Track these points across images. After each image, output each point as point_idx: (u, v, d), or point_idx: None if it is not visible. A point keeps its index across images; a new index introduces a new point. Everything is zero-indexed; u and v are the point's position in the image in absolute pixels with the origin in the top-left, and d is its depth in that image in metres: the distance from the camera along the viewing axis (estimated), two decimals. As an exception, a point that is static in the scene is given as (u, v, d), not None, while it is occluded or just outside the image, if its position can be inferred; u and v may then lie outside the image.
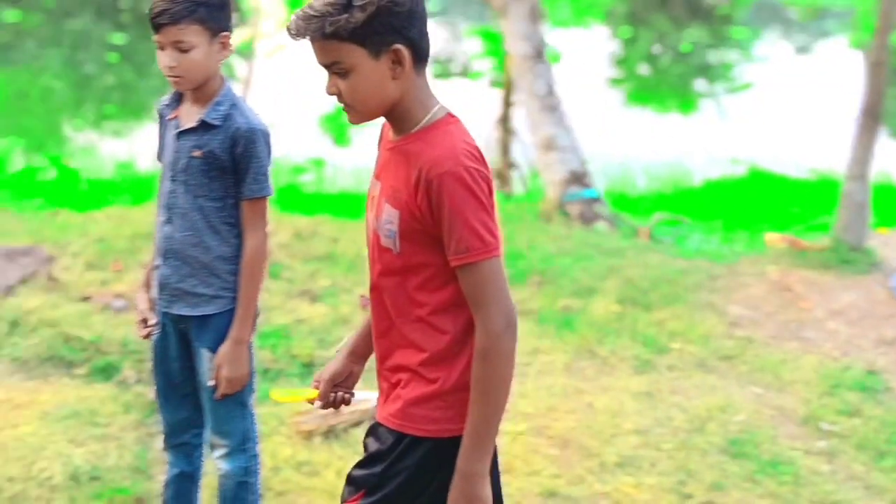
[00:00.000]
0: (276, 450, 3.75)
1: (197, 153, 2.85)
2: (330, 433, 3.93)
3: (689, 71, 16.82)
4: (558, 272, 5.56)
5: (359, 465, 2.19)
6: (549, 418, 4.15)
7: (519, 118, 7.91)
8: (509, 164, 8.04)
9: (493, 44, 8.31)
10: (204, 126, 2.85)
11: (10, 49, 15.60)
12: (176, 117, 2.92)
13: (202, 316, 2.93)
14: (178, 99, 2.95)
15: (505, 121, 7.93)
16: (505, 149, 8.01)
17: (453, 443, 2.03)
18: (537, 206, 6.88)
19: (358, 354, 2.37)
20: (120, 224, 5.99)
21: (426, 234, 1.99)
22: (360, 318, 4.93)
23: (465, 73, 14.18)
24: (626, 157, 9.52)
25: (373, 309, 2.18)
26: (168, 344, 3.03)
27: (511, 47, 7.32)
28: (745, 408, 4.27)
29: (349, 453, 3.82)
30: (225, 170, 2.86)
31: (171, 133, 2.92)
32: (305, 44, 2.01)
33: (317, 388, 2.35)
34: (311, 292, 5.22)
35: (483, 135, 8.35)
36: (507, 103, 7.87)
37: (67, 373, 4.37)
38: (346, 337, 2.46)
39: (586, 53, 15.40)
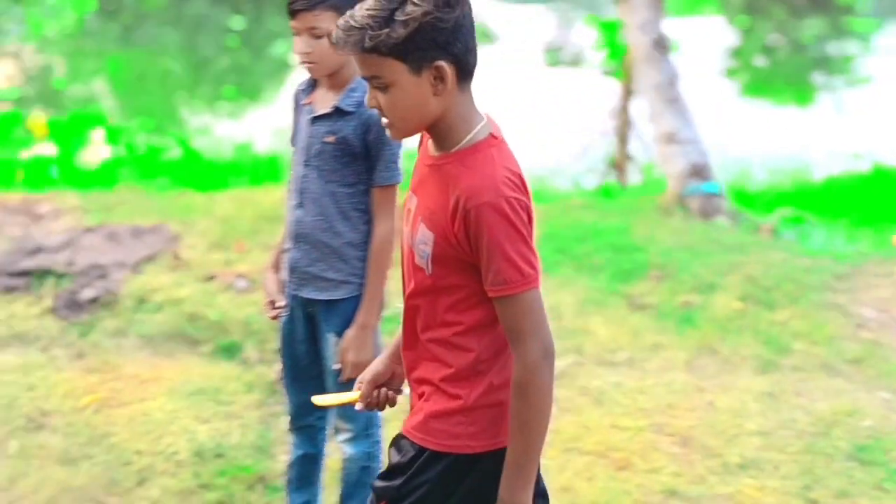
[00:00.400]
0: (395, 435, 3.76)
1: (330, 139, 2.87)
2: (448, 421, 3.94)
3: (806, 63, 16.33)
4: (678, 267, 5.46)
5: (382, 476, 2.19)
6: (669, 415, 4.08)
7: (637, 109, 7.79)
8: (626, 156, 7.93)
9: (608, 32, 8.15)
10: (338, 112, 2.86)
11: (131, 31, 16.02)
12: (310, 103, 2.94)
13: (330, 300, 2.95)
14: (313, 85, 2.98)
15: (623, 112, 7.81)
16: (622, 140, 7.90)
17: (473, 459, 2.05)
18: (656, 199, 6.76)
19: (400, 355, 2.32)
20: (243, 205, 6.09)
21: (460, 259, 1.96)
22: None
23: (576, 62, 14.04)
24: (743, 151, 9.30)
25: (403, 320, 2.16)
26: (295, 327, 3.07)
27: (632, 37, 7.21)
28: (873, 413, 4.13)
29: (467, 442, 3.82)
30: (357, 156, 2.88)
31: (305, 118, 2.94)
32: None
33: (359, 390, 2.32)
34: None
35: (596, 126, 8.28)
36: (626, 94, 7.75)
37: (192, 350, 4.47)
38: None
39: (701, 43, 15.08)
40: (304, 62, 2.86)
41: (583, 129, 8.91)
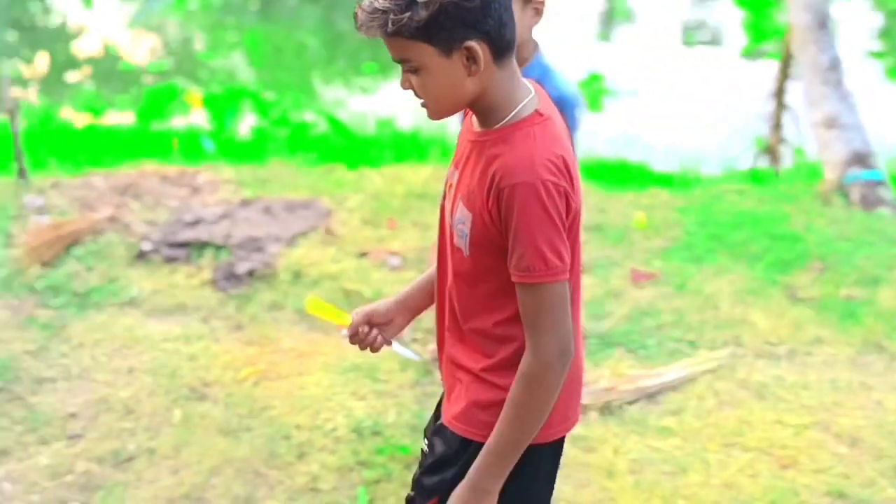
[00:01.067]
0: (551, 422, 3.71)
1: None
2: (605, 409, 3.87)
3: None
4: (839, 258, 5.24)
5: (427, 471, 2.12)
6: (835, 413, 3.92)
7: (793, 92, 7.52)
8: (780, 140, 7.67)
9: (755, 11, 7.88)
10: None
11: (269, 5, 16.27)
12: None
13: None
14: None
15: (780, 94, 7.55)
16: (777, 124, 7.64)
17: (529, 450, 1.96)
18: (812, 186, 6.51)
19: (408, 306, 2.23)
20: (392, 182, 6.11)
21: (498, 243, 1.85)
22: (631, 293, 4.83)
23: (715, 41, 13.67)
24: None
25: (438, 299, 2.10)
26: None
27: (793, 17, 6.94)
28: None
29: (625, 431, 3.76)
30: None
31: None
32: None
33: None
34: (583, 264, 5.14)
35: (741, 107, 8.02)
36: (784, 76, 7.48)
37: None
38: None
39: (847, 24, 14.49)
40: None
41: (727, 111, 8.67)
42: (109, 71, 12.53)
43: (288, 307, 4.61)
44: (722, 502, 3.37)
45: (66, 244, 5.08)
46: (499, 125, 1.85)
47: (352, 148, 7.71)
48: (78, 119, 9.61)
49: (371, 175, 6.34)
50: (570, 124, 2.78)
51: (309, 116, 9.47)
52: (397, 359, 4.19)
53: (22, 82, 11.22)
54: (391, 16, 1.74)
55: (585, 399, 3.88)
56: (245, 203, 5.65)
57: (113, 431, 3.65)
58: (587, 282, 4.90)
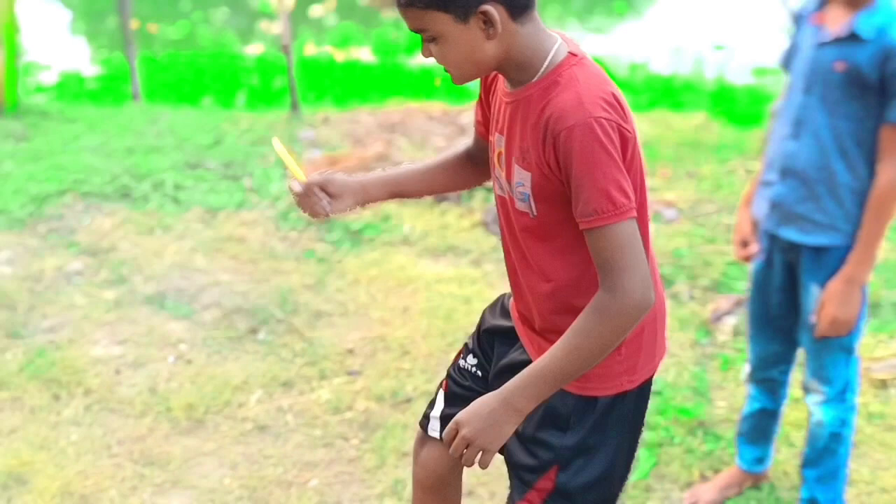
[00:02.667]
0: (847, 397, 3.43)
1: (840, 66, 2.54)
2: (908, 386, 3.55)
3: None
4: None
5: (550, 436, 1.94)
6: None
7: None
8: None
9: None
10: (852, 37, 2.52)
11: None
12: (820, 23, 2.61)
13: (814, 247, 2.66)
14: (824, 0, 2.64)
15: None
16: None
17: (628, 396, 1.93)
18: None
19: (371, 188, 2.06)
20: (665, 130, 5.86)
21: (561, 193, 1.76)
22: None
23: None
24: None
25: (511, 277, 1.99)
26: (771, 273, 2.82)
27: None
28: None
29: None
30: (869, 89, 2.53)
31: (811, 40, 2.62)
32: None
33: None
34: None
35: None
36: None
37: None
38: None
39: None
40: None
41: None
42: (350, 6, 12.75)
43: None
44: None
45: (340, 179, 5.13)
46: (536, 77, 1.78)
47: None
48: (336, 54, 9.81)
49: (639, 121, 6.08)
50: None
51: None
52: (674, 315, 3.99)
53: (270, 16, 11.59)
54: None
55: (882, 372, 3.57)
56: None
57: (390, 371, 3.66)
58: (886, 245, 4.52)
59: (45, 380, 3.60)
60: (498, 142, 1.89)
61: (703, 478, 3.11)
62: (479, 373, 2.17)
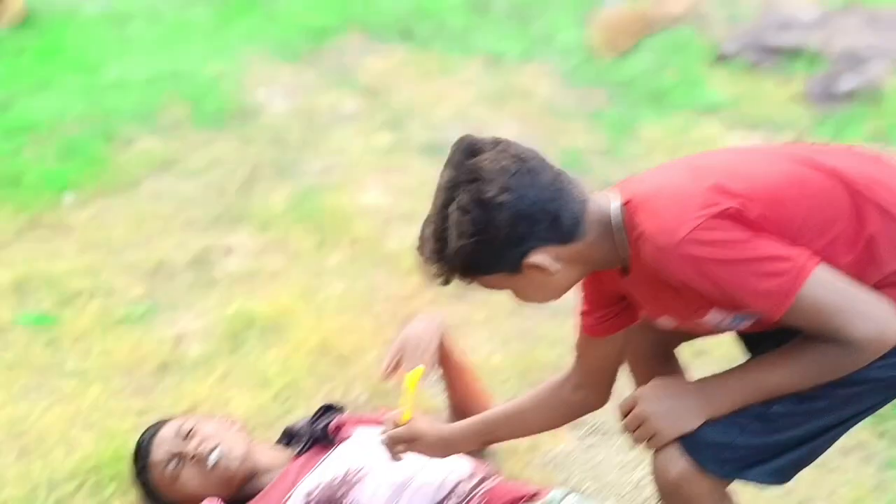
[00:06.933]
0: None
1: None
2: None
3: None
4: None
5: None
6: None
7: None
8: None
9: None
10: None
11: None
12: None
13: None
14: None
15: None
16: None
17: None
18: None
19: (470, 439, 1.93)
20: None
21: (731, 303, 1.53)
22: None
23: None
24: None
25: None
26: None
27: None
28: None
29: None
30: None
31: None
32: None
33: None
34: None
35: None
36: None
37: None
38: None
39: None
40: None
41: None
42: None
43: (894, 138, 3.80)
44: None
45: (640, 35, 4.62)
46: (625, 257, 1.58)
47: None
48: None
49: None
50: None
51: None
52: None
53: None
54: (440, 276, 1.60)
55: None
56: (846, 9, 4.80)
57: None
58: None
59: (311, 224, 3.39)
60: (664, 323, 1.71)
61: None
62: None
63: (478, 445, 1.97)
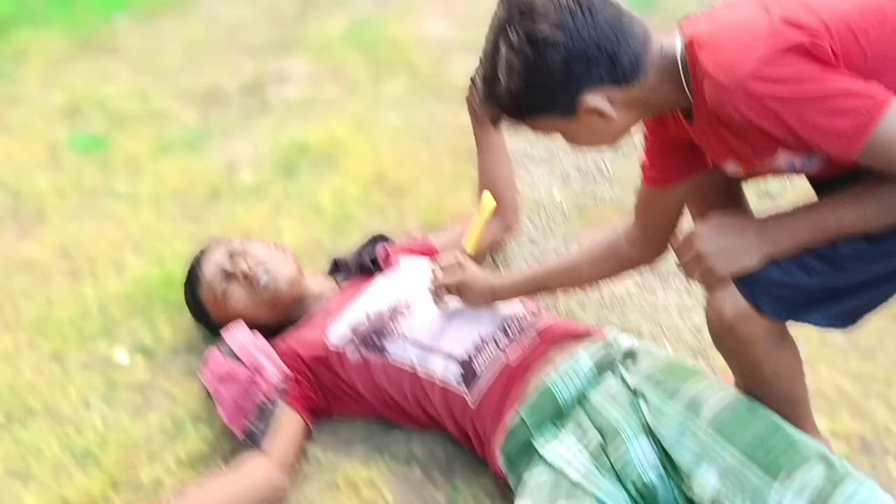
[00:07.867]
0: None
1: None
2: None
3: None
4: None
5: None
6: None
7: None
8: None
9: None
10: None
11: None
12: None
13: None
14: None
15: None
16: None
17: None
18: None
19: (519, 289, 1.94)
20: None
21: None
22: None
23: None
24: None
25: None
26: None
27: None
28: None
29: None
30: None
31: None
32: None
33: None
34: None
35: None
36: None
37: None
38: None
39: None
40: None
41: None
42: None
43: None
44: None
45: None
46: (689, 100, 1.48)
47: None
48: None
49: None
50: None
51: None
52: None
53: None
54: (489, 109, 1.52)
55: None
56: None
57: None
58: None
59: (368, 53, 3.27)
60: (727, 167, 1.57)
61: None
62: None
63: (527, 296, 1.94)
